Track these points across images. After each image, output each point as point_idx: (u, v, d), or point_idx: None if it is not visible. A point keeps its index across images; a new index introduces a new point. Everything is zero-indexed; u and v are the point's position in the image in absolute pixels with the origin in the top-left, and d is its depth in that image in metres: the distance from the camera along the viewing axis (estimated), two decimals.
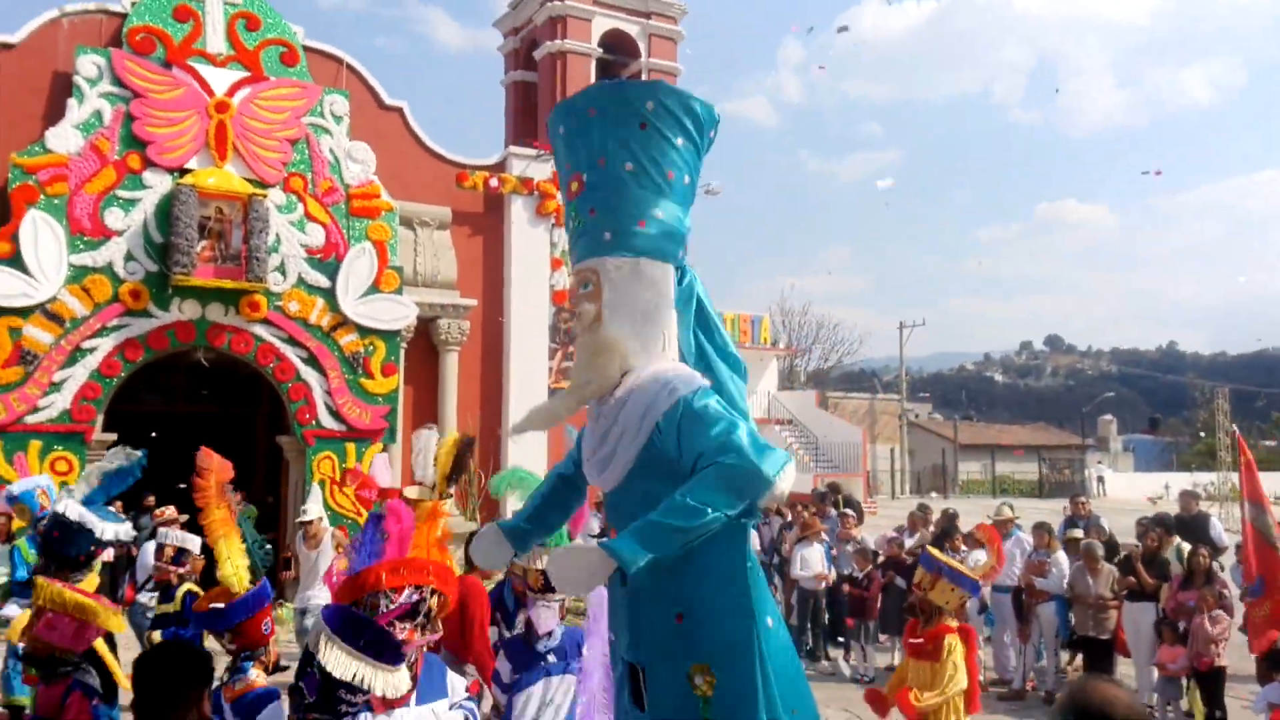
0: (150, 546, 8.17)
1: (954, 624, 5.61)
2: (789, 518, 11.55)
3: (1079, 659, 9.08)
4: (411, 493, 4.61)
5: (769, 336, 30.19)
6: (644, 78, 17.86)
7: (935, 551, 5.99)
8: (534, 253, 15.30)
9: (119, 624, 4.09)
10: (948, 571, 5.59)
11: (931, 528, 10.74)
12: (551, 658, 4.67)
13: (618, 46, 18.10)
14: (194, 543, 6.66)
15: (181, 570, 6.59)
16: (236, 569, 3.95)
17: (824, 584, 10.12)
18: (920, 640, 5.59)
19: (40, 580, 4.08)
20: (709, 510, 2.65)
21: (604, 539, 2.79)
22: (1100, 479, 37.76)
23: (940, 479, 39.06)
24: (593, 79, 17.41)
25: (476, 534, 3.59)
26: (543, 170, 15.30)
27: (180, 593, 6.41)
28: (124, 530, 5.16)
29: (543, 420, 3.21)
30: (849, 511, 11.37)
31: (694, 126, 3.13)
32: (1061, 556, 9.02)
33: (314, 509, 8.50)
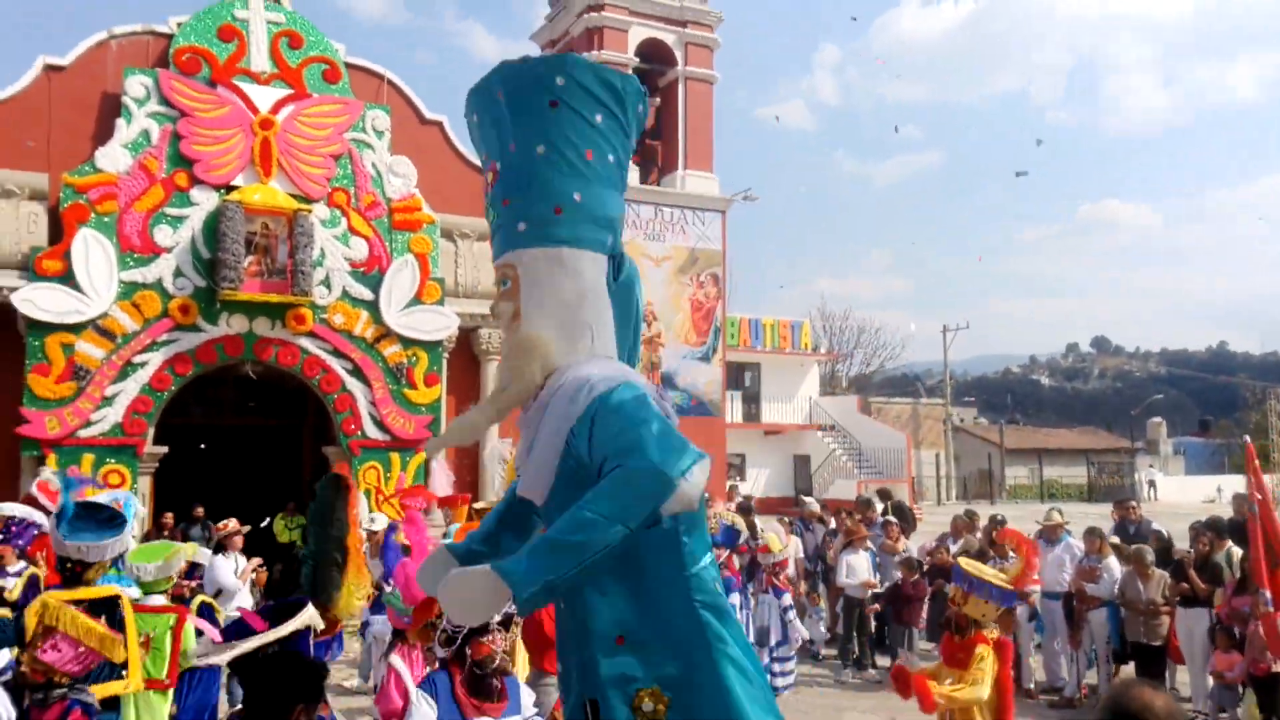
0: (218, 560, 8.28)
1: (993, 635, 5.52)
2: (832, 524, 11.49)
3: (1131, 667, 8.91)
4: (481, 504, 4.69)
5: (809, 342, 30.05)
6: (680, 86, 17.92)
7: (967, 564, 5.87)
8: None
9: (122, 654, 3.93)
10: (978, 586, 5.50)
11: (979, 534, 10.61)
12: None
13: (654, 55, 18.18)
14: (206, 556, 6.69)
15: (193, 584, 6.58)
16: (351, 601, 3.99)
17: (870, 591, 10.03)
18: (953, 647, 5.55)
19: (50, 601, 3.91)
20: (605, 523, 2.35)
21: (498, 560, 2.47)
22: (1152, 483, 37.03)
23: (987, 484, 38.53)
24: None
25: (426, 559, 3.30)
26: None
27: (195, 604, 6.42)
28: (106, 549, 5.04)
29: (461, 434, 2.95)
30: (892, 520, 11.25)
31: (614, 101, 2.86)
32: (1113, 562, 8.86)
33: (381, 518, 8.59)
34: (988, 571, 5.72)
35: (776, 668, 9.01)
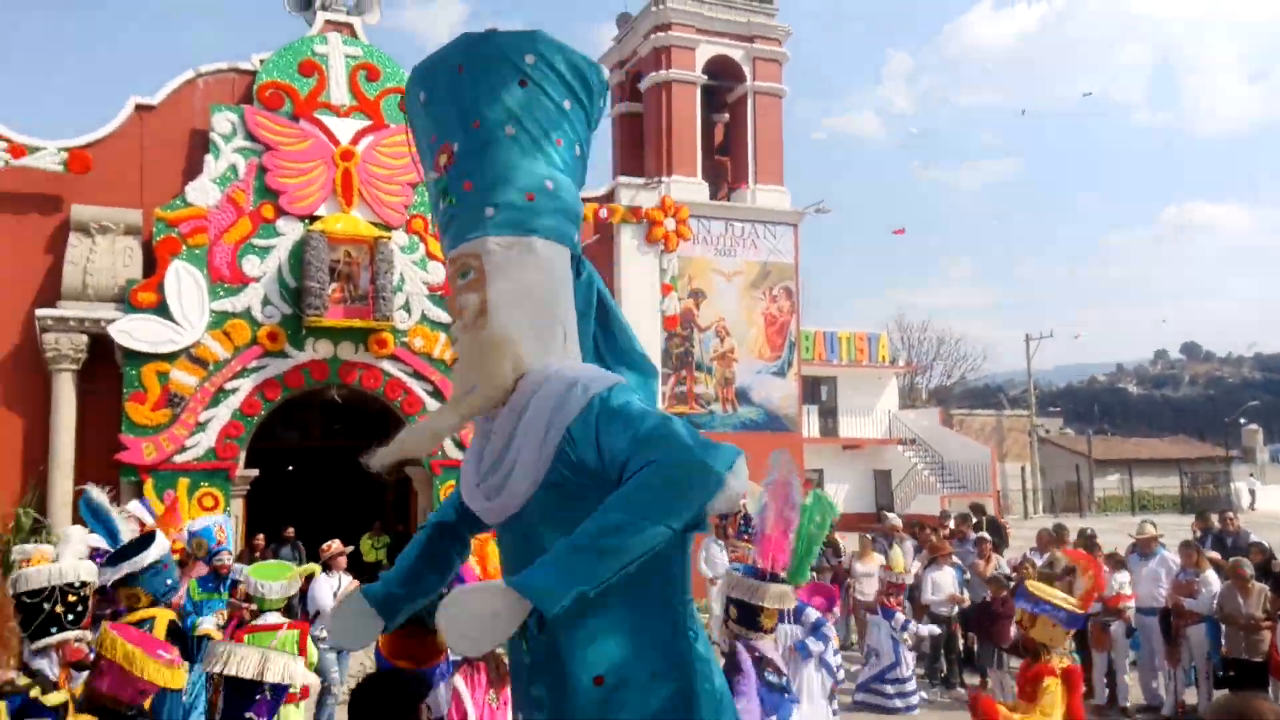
0: (320, 580, 8.40)
1: (1060, 662, 5.36)
2: (914, 540, 11.29)
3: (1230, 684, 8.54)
4: None
5: (887, 354, 29.59)
6: (749, 101, 17.92)
7: (1033, 586, 5.71)
8: (644, 279, 15.47)
9: (171, 678, 3.76)
10: (1045, 608, 5.35)
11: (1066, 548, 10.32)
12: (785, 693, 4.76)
13: (722, 72, 18.22)
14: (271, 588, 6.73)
15: (253, 607, 6.52)
16: None
17: (957, 607, 9.82)
18: (1024, 678, 5.43)
19: (105, 625, 3.91)
20: (648, 522, 2.06)
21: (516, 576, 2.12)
22: (1252, 492, 35.47)
23: (1075, 497, 37.35)
24: (698, 105, 17.58)
25: (336, 606, 2.98)
26: (650, 198, 15.49)
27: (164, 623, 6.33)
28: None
29: (419, 443, 2.59)
30: (986, 537, 10.96)
31: (582, 89, 2.62)
32: (1211, 575, 8.53)
33: None
34: (1055, 593, 5.55)
35: (891, 689, 8.84)
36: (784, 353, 17.02)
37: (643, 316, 15.40)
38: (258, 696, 3.72)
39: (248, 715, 3.70)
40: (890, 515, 12.96)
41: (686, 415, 16.06)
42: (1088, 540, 10.09)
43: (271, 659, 3.72)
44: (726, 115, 19.05)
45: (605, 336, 2.76)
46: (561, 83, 2.58)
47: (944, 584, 9.82)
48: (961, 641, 10.08)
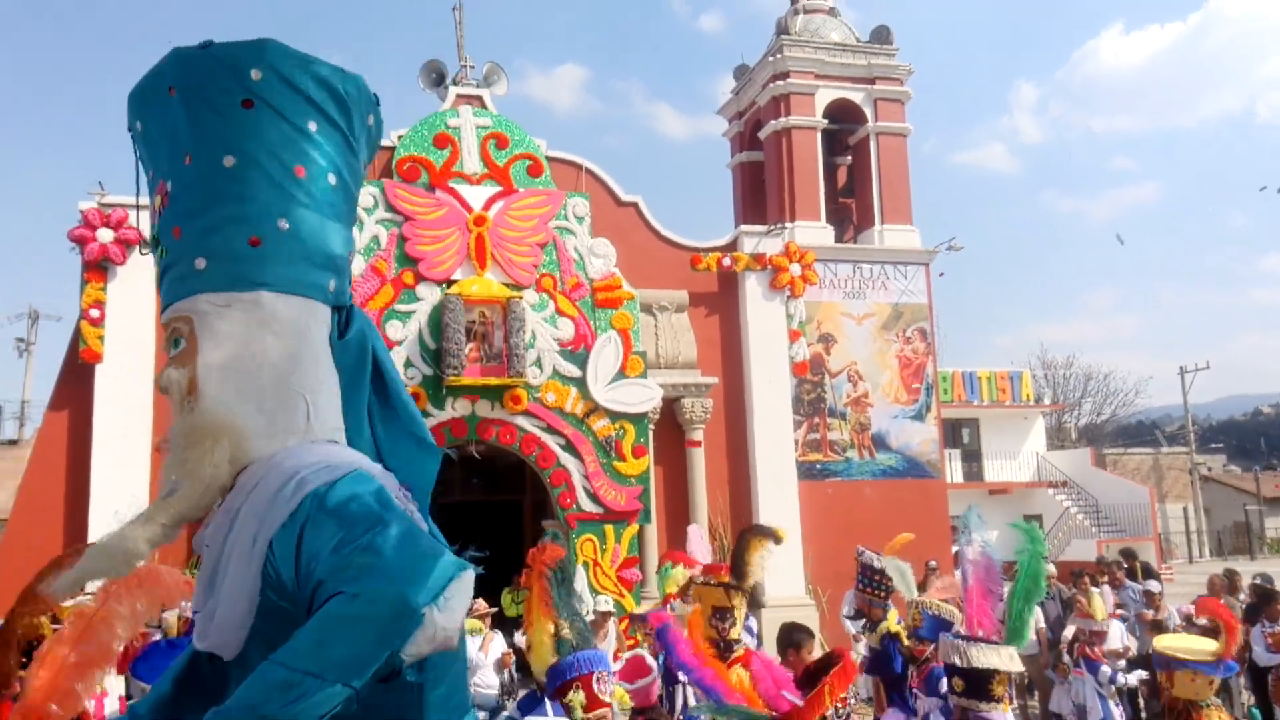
0: (470, 639, 8.61)
1: (1220, 715, 4.99)
2: (1069, 592, 10.70)
3: None
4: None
5: (1031, 393, 28.40)
6: (872, 142, 17.77)
7: (1160, 645, 5.35)
8: (770, 326, 15.39)
9: None
10: (1177, 664, 5.03)
11: (1242, 595, 9.59)
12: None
13: (844, 115, 18.16)
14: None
15: None
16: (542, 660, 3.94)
17: (1123, 659, 9.23)
18: None
19: None
20: (314, 683, 1.56)
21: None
22: None
23: (1244, 538, 34.70)
24: (819, 149, 17.54)
25: None
26: (774, 245, 15.47)
27: None
28: None
29: (111, 563, 1.91)
30: (1155, 589, 10.27)
31: (334, 106, 2.15)
32: None
33: (606, 600, 8.71)
34: (1181, 645, 5.28)
35: None
36: (921, 396, 16.57)
37: (771, 364, 15.32)
38: None
39: None
40: (1047, 565, 12.32)
41: (821, 463, 15.79)
42: (1263, 593, 9.36)
43: None
44: (849, 157, 18.93)
45: (381, 407, 2.25)
46: (302, 101, 2.10)
47: (1110, 636, 9.25)
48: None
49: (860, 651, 7.97)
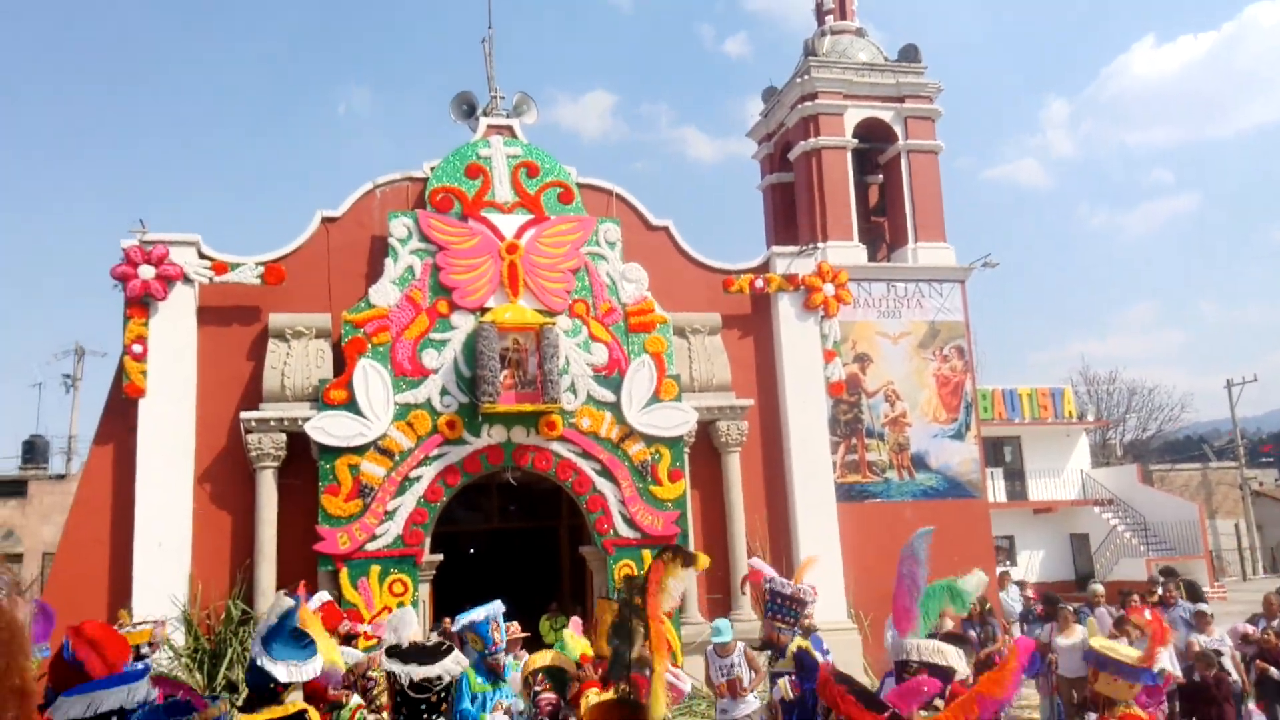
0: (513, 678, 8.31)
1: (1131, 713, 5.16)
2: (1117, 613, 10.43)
3: None
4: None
5: (1073, 409, 27.97)
6: (903, 161, 17.70)
7: (1096, 644, 5.53)
8: (805, 346, 15.29)
9: None
10: (1101, 663, 5.28)
11: None
12: None
13: (873, 134, 18.11)
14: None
15: (346, 693, 6.23)
16: (659, 709, 3.89)
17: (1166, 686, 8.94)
18: None
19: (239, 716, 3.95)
20: None
21: None
22: None
23: None
24: (850, 169, 17.49)
25: None
26: (806, 265, 15.40)
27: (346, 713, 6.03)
28: (306, 670, 5.02)
29: None
30: (1205, 610, 9.94)
31: None
32: None
33: (725, 626, 8.36)
34: (1118, 649, 5.49)
35: None
36: (960, 414, 16.36)
37: (806, 385, 15.20)
38: None
39: None
40: (1094, 585, 12.05)
41: (860, 485, 15.60)
42: None
43: None
44: (880, 176, 18.86)
45: None
46: None
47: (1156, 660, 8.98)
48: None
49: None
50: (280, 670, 4.56)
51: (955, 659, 4.65)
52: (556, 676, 4.92)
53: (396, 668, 4.51)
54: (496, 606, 7.15)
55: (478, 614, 7.04)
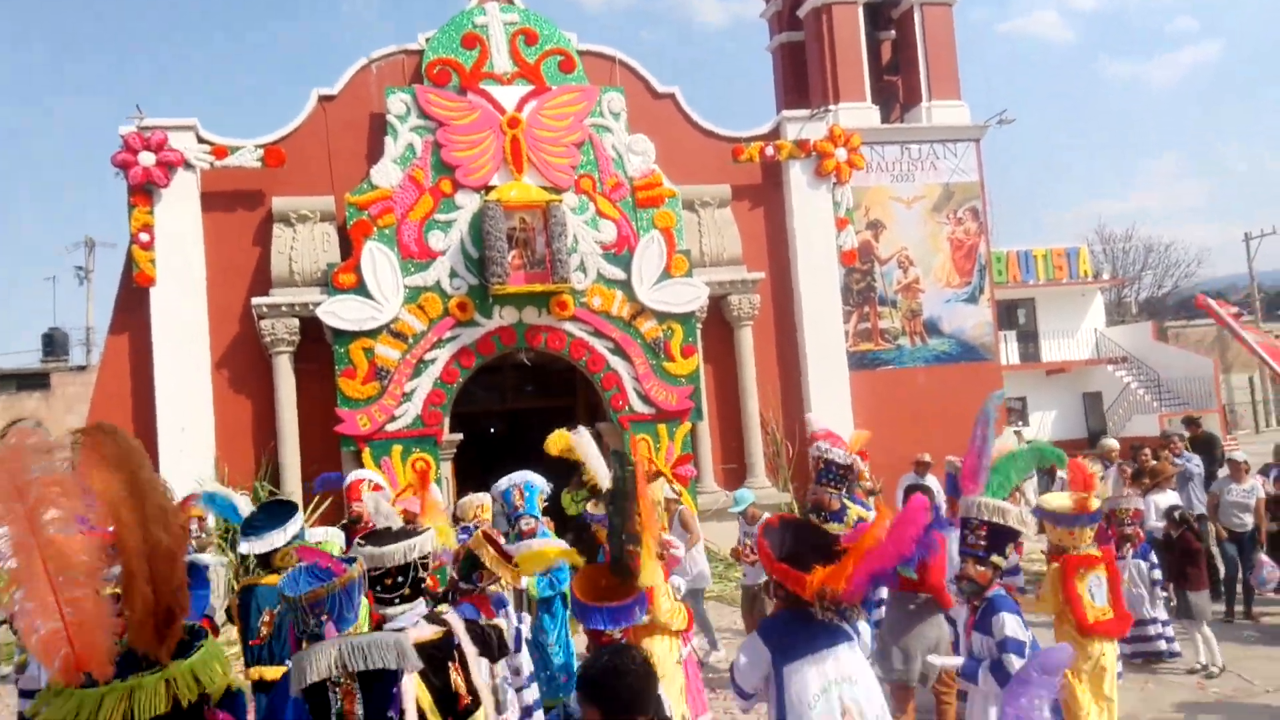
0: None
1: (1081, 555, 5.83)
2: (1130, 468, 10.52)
3: None
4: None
5: (1089, 268, 27.68)
6: (916, 15, 16.98)
7: (1044, 501, 6.19)
8: (817, 215, 15.04)
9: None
10: (1044, 515, 6.08)
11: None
12: None
13: None
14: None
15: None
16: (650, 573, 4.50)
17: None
18: None
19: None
20: None
21: None
22: None
23: None
24: (862, 25, 16.81)
25: None
26: (818, 130, 14.99)
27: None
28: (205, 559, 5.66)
29: None
30: (1239, 458, 9.88)
31: None
32: None
33: (669, 490, 8.59)
34: (1051, 501, 6.13)
35: (1152, 631, 8.13)
36: (974, 278, 16.19)
37: (819, 254, 15.02)
38: None
39: None
40: (1107, 440, 12.14)
41: (873, 353, 15.61)
42: None
43: None
44: (893, 32, 18.11)
45: None
46: None
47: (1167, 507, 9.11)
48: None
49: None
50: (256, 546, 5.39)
51: (1015, 519, 4.81)
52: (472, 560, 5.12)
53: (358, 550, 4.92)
54: (521, 474, 7.60)
55: (501, 482, 7.52)
